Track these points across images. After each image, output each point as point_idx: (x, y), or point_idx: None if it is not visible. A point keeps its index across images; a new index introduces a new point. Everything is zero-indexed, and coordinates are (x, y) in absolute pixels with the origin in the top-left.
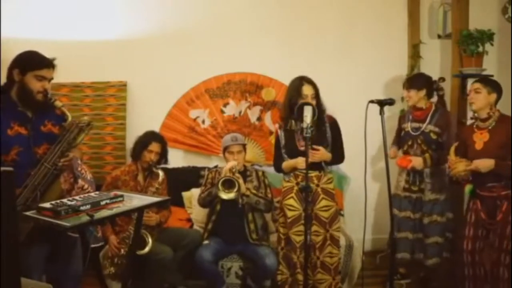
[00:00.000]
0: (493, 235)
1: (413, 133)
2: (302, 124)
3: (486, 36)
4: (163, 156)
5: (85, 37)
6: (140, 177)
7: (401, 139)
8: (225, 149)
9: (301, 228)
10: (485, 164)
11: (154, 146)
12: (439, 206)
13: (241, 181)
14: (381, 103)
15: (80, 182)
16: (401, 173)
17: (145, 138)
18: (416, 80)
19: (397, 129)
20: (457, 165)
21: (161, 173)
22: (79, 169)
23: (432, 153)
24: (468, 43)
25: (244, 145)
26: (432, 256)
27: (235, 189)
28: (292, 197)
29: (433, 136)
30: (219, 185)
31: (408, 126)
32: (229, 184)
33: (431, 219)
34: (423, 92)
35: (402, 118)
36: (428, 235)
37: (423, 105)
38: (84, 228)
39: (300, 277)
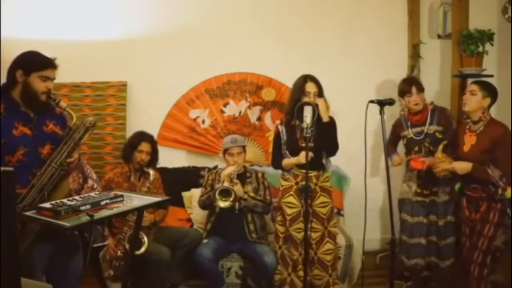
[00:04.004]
0: (472, 234)
1: (416, 137)
2: (302, 124)
3: (486, 36)
4: (154, 155)
5: (85, 37)
6: (133, 178)
7: (405, 147)
8: (225, 151)
9: (301, 225)
10: (462, 166)
11: (144, 146)
12: (451, 207)
13: (238, 186)
14: (381, 103)
15: (90, 181)
16: (411, 178)
17: (134, 138)
18: (420, 83)
19: (391, 136)
20: (440, 164)
21: (151, 172)
22: (85, 168)
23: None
24: (468, 43)
25: (244, 147)
26: (448, 257)
27: (231, 198)
28: (291, 194)
29: (439, 136)
30: (217, 194)
31: (409, 132)
32: (226, 192)
33: (446, 220)
34: (424, 95)
35: (398, 127)
36: (443, 236)
37: (421, 108)
38: (85, 228)
39: (301, 273)
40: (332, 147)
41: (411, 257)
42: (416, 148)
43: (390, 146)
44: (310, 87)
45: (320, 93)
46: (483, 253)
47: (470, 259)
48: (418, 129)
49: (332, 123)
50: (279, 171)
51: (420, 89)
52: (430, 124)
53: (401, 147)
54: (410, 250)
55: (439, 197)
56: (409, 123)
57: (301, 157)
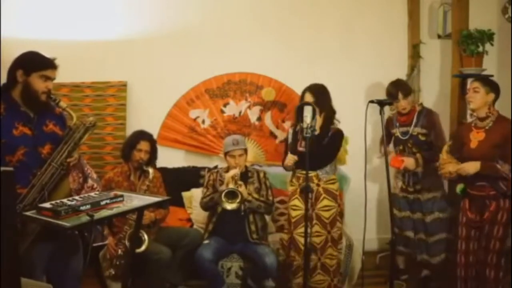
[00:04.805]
0: (481, 235)
1: (402, 137)
2: (302, 124)
3: (486, 36)
4: (153, 154)
5: (85, 37)
6: (133, 177)
7: (393, 144)
8: (226, 152)
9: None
10: (471, 167)
11: (143, 145)
12: (438, 203)
13: (242, 188)
14: (381, 103)
15: (90, 181)
16: (397, 175)
17: (133, 137)
18: (407, 87)
19: (385, 131)
20: (446, 166)
21: (151, 170)
22: (85, 168)
23: (424, 153)
24: (468, 43)
25: (245, 149)
26: (437, 254)
27: (238, 200)
28: (296, 197)
29: (422, 138)
30: (222, 197)
31: (396, 131)
32: (232, 194)
33: (433, 217)
34: (411, 97)
35: (390, 124)
36: (431, 233)
37: (408, 110)
38: (85, 228)
39: (300, 280)
40: (319, 157)
41: (397, 244)
42: (401, 147)
43: (382, 138)
44: (307, 97)
45: (317, 102)
46: (497, 254)
47: (482, 262)
48: (404, 129)
49: (326, 138)
50: (280, 172)
51: (407, 94)
52: (415, 126)
53: None
54: (400, 241)
55: (423, 195)
56: (397, 123)
57: (287, 160)
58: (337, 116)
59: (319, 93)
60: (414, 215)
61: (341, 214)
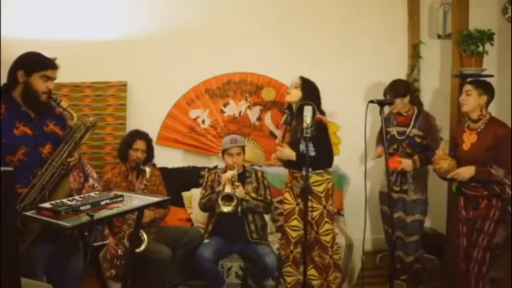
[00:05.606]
0: (471, 232)
1: (398, 137)
2: (302, 124)
3: (486, 36)
4: (150, 153)
5: (85, 37)
6: (131, 177)
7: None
8: (224, 151)
9: (296, 223)
10: (465, 172)
11: (139, 144)
12: (421, 206)
13: (240, 189)
14: (381, 103)
15: (91, 181)
16: (386, 173)
17: (129, 137)
18: (399, 88)
19: (380, 129)
20: (441, 162)
21: (147, 169)
22: (86, 167)
23: (420, 155)
24: (468, 43)
25: (243, 147)
26: (411, 253)
27: (234, 203)
28: (288, 191)
29: (418, 140)
30: (219, 200)
31: (393, 130)
32: (228, 198)
33: (414, 218)
34: (407, 99)
35: (386, 120)
36: (410, 233)
37: (406, 111)
38: (85, 228)
39: (289, 269)
40: (323, 158)
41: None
42: (395, 146)
43: (379, 138)
44: (296, 81)
45: (301, 86)
46: (483, 250)
47: (469, 257)
48: (401, 129)
49: (318, 130)
50: (279, 171)
51: (401, 95)
52: (413, 127)
53: None
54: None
55: (409, 195)
56: (394, 122)
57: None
58: (337, 116)
59: (308, 83)
60: (395, 214)
61: (329, 214)
